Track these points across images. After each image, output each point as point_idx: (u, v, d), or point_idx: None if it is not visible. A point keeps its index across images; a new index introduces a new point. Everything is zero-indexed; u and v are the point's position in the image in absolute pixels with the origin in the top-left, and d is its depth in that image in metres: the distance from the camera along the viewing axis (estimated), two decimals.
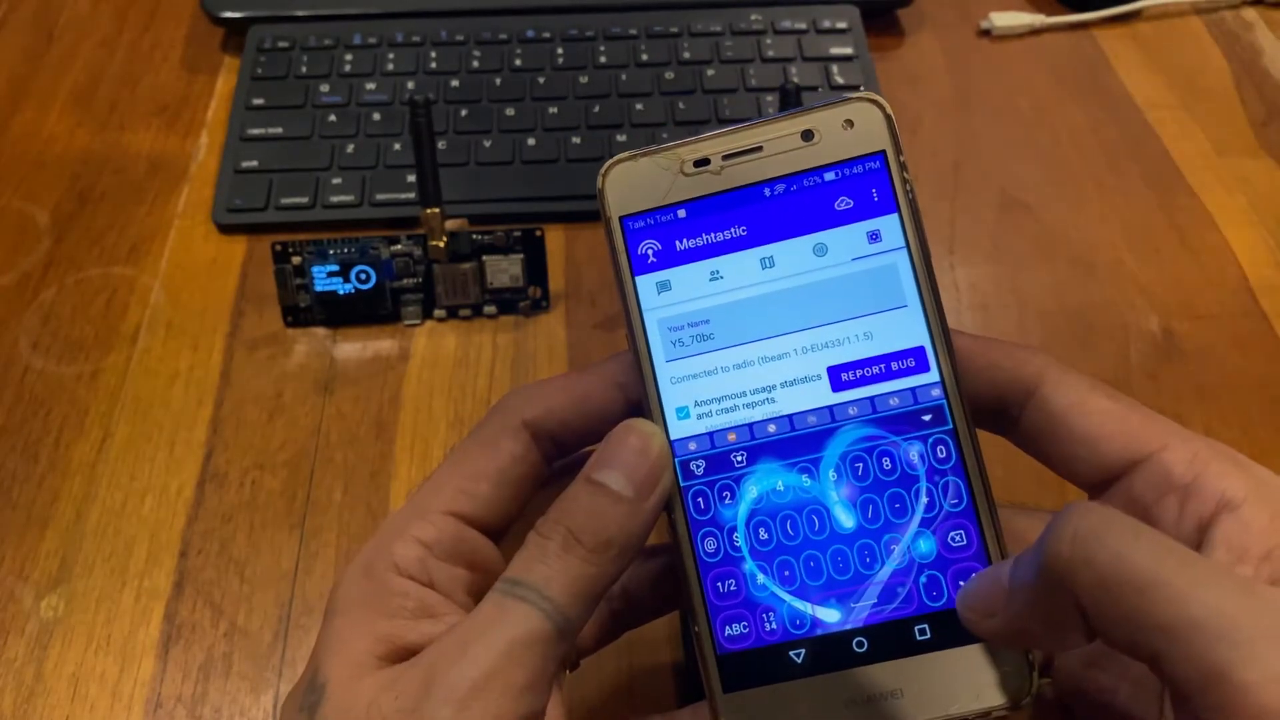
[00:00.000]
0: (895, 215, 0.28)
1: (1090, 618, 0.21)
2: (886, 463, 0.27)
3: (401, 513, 0.27)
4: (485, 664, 0.23)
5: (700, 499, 0.27)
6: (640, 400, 0.27)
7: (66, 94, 0.57)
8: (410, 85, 0.55)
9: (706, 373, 0.27)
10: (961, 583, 0.26)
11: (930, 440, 0.27)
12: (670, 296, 0.28)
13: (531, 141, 0.52)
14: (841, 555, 0.27)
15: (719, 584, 0.27)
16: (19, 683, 0.36)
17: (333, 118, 0.53)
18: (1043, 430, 0.27)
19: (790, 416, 0.27)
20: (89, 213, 0.51)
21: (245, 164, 0.51)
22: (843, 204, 0.28)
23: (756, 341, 0.28)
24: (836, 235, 0.28)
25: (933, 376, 0.27)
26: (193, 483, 0.41)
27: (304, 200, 0.50)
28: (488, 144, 0.52)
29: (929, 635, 0.26)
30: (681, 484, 0.27)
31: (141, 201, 0.51)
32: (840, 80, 0.55)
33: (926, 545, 0.27)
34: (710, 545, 0.27)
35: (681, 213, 0.28)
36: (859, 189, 0.28)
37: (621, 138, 0.52)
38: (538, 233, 0.45)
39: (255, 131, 0.53)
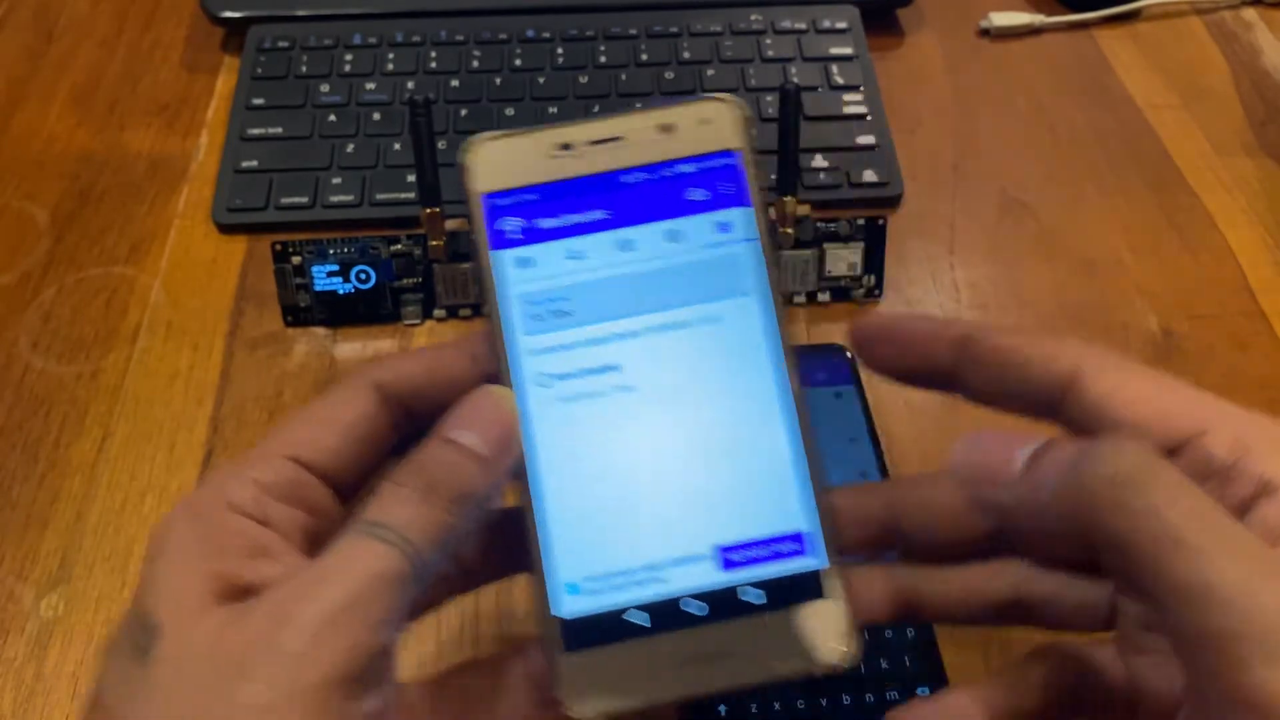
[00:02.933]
0: (745, 209, 0.29)
1: (1100, 551, 0.22)
2: (730, 432, 0.28)
3: (236, 457, 0.26)
4: (344, 596, 0.23)
5: (548, 464, 0.28)
6: (495, 373, 0.28)
7: (66, 93, 0.57)
8: (410, 85, 0.55)
9: (563, 346, 0.28)
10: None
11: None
12: (530, 273, 0.29)
13: None
14: (682, 520, 0.28)
15: (560, 549, 0.27)
16: (19, 682, 0.36)
17: (333, 117, 0.53)
18: (1084, 423, 0.26)
19: (634, 379, 0.28)
20: (89, 212, 0.51)
21: (245, 164, 0.51)
22: (696, 194, 0.29)
23: (611, 319, 0.28)
24: (690, 223, 0.29)
25: (774, 372, 0.29)
26: (193, 482, 0.41)
27: (304, 200, 0.50)
28: None
29: (763, 600, 0.27)
30: (533, 451, 0.28)
31: (141, 201, 0.51)
32: (840, 80, 0.55)
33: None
34: (556, 512, 0.28)
35: (543, 193, 0.29)
36: (713, 182, 0.29)
37: None
38: None
39: (255, 131, 0.53)
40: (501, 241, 0.29)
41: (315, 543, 0.25)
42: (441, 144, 0.51)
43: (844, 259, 0.46)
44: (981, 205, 0.52)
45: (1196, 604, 0.20)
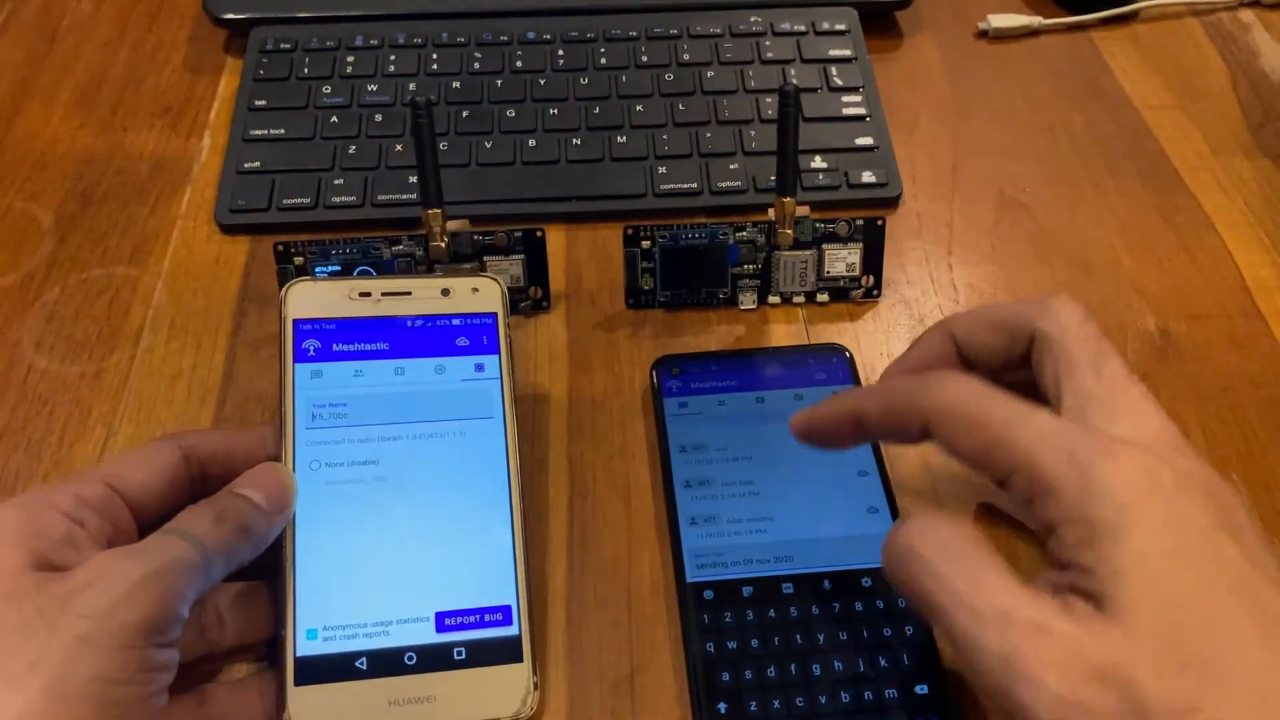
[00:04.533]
0: (497, 356, 0.38)
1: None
2: (460, 521, 0.35)
3: (63, 476, 0.33)
4: (155, 566, 0.29)
5: (307, 531, 0.34)
6: (278, 455, 0.35)
7: (69, 95, 0.57)
8: (412, 86, 0.55)
9: (335, 441, 0.35)
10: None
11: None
12: (320, 383, 0.36)
13: (532, 143, 0.53)
14: (410, 588, 0.34)
15: (306, 599, 0.34)
16: None
17: (335, 119, 0.53)
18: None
19: (389, 472, 0.35)
20: (92, 213, 0.51)
21: (248, 165, 0.52)
22: (461, 341, 0.38)
23: (378, 425, 0.36)
24: (453, 362, 0.37)
25: (503, 480, 0.36)
26: None
27: (306, 201, 0.50)
28: (489, 145, 0.52)
29: (464, 656, 0.34)
30: (297, 520, 0.34)
31: (144, 202, 0.52)
32: (839, 82, 0.55)
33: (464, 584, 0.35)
34: (308, 570, 0.34)
35: (341, 325, 0.37)
36: (475, 334, 0.38)
37: (622, 139, 0.53)
38: (538, 233, 0.45)
39: (257, 132, 0.53)
40: (303, 357, 0.36)
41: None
42: (443, 145, 0.52)
43: (843, 259, 0.46)
44: (980, 206, 0.52)
45: (952, 645, 0.27)
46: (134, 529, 0.33)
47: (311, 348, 0.37)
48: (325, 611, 0.34)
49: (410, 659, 0.33)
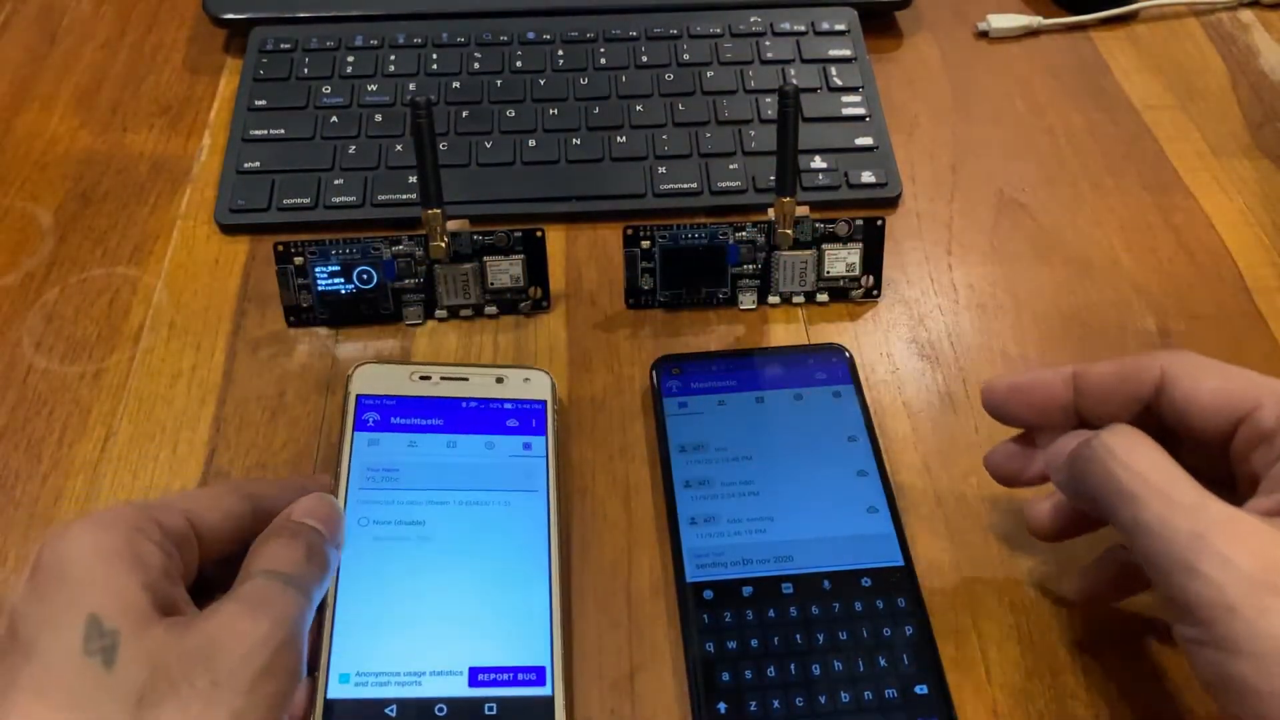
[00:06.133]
0: (544, 437, 0.40)
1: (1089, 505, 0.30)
2: (499, 582, 0.36)
3: (140, 500, 0.32)
4: (280, 637, 0.29)
5: (350, 579, 0.35)
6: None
7: (69, 95, 0.57)
8: (411, 86, 0.55)
9: (385, 501, 0.37)
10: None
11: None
12: (375, 449, 0.39)
13: (532, 143, 0.53)
14: (446, 642, 0.35)
15: (342, 645, 0.34)
16: None
17: (334, 119, 0.53)
18: (1174, 419, 0.31)
19: (434, 533, 0.37)
20: (92, 213, 0.51)
21: (248, 165, 0.52)
22: (511, 423, 0.40)
23: (427, 490, 0.38)
24: (503, 439, 0.40)
25: (544, 548, 0.37)
26: (195, 481, 0.41)
27: (306, 201, 0.50)
28: (489, 145, 0.52)
29: (495, 712, 0.33)
30: (341, 568, 0.35)
31: (144, 202, 0.52)
32: (839, 82, 0.55)
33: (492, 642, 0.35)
34: (346, 616, 0.35)
35: (400, 402, 0.40)
36: (524, 417, 0.41)
37: (621, 139, 0.53)
38: (538, 233, 0.45)
39: (257, 132, 0.53)
40: (362, 426, 0.39)
41: (183, 583, 0.31)
42: (443, 145, 0.52)
43: (843, 259, 0.46)
44: (979, 206, 0.52)
45: (1133, 536, 0.27)
46: (195, 570, 0.32)
47: (371, 419, 0.39)
48: (359, 657, 0.34)
49: (440, 710, 0.33)
